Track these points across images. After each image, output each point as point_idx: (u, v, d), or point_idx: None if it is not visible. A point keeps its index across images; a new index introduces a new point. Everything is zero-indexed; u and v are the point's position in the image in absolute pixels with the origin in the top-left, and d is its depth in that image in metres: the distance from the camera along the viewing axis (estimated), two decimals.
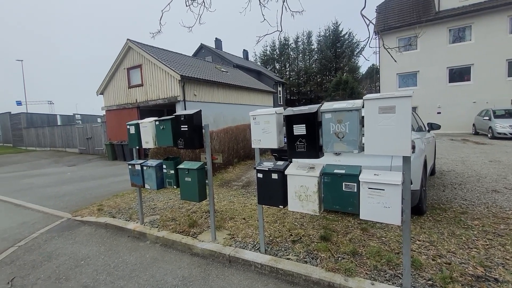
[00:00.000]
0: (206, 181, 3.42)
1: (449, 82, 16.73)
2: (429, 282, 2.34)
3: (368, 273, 2.52)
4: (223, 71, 18.95)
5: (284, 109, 2.73)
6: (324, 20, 78.78)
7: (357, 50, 38.12)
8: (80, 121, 26.90)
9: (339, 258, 2.79)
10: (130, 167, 3.99)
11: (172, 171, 3.56)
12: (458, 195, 4.62)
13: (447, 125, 15.26)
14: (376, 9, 19.90)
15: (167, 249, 3.52)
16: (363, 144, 2.17)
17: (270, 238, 3.37)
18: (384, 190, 2.09)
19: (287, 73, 43.28)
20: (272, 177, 2.74)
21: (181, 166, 3.46)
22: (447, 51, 16.48)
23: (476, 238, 3.06)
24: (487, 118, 12.66)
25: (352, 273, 2.50)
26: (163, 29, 5.02)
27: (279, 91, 28.66)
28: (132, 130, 3.87)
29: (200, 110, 3.34)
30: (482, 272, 2.44)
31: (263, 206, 3.01)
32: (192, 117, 3.18)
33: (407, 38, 17.45)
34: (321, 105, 2.38)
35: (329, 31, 39.49)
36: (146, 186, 3.84)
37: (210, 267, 3.00)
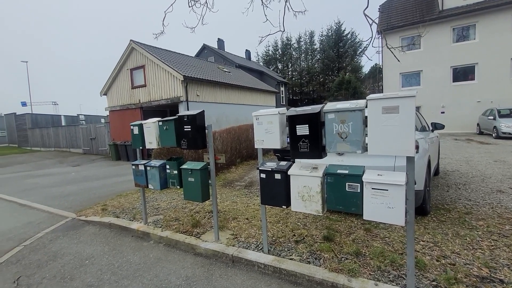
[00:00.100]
0: (209, 181, 3.44)
1: (453, 82, 16.60)
2: (433, 283, 2.33)
3: (371, 273, 2.51)
4: (225, 71, 18.98)
5: (287, 109, 2.73)
6: (326, 20, 78.73)
7: (360, 49, 38.07)
8: (84, 121, 27.12)
9: (343, 259, 2.78)
10: (133, 167, 4.02)
11: (176, 171, 3.58)
12: (462, 195, 4.59)
13: (451, 125, 15.17)
14: (379, 8, 19.80)
15: (171, 249, 3.53)
16: (367, 144, 2.16)
17: (273, 238, 3.37)
18: (387, 190, 2.09)
19: (289, 73, 43.26)
20: (275, 177, 2.74)
21: (184, 166, 3.48)
22: (451, 50, 16.35)
23: (480, 239, 3.03)
24: (492, 117, 12.54)
25: (356, 273, 2.50)
26: (166, 30, 5.04)
27: (282, 91, 28.66)
28: (136, 130, 3.89)
29: (203, 111, 3.35)
30: (487, 273, 2.42)
31: (266, 206, 3.02)
32: (195, 118, 3.20)
33: (410, 38, 17.35)
34: (324, 106, 2.38)
35: (331, 30, 39.47)
36: (150, 186, 3.87)
37: (213, 267, 3.01)
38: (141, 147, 3.97)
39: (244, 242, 3.34)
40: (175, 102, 12.82)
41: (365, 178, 2.20)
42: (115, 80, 15.11)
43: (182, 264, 3.12)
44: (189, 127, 3.24)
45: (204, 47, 28.22)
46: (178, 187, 3.60)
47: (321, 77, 41.12)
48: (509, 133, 11.25)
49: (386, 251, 2.86)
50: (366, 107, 2.12)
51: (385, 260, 2.68)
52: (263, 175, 2.83)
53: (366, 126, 2.13)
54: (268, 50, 43.67)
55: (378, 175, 2.17)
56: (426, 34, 15.05)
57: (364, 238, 3.21)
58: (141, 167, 3.90)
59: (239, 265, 2.99)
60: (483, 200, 4.29)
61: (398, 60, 5.83)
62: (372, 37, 4.61)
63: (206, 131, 3.30)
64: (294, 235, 3.42)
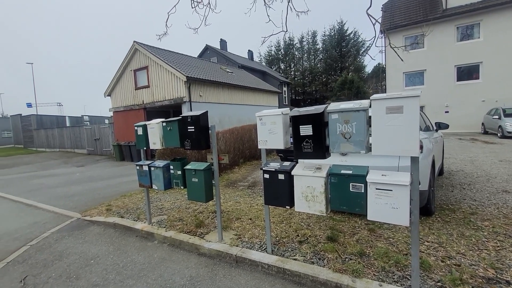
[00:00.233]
0: (213, 182, 3.45)
1: (457, 81, 16.46)
2: (439, 284, 2.32)
3: (376, 274, 2.50)
4: (228, 71, 19.01)
5: (290, 109, 2.74)
6: (329, 20, 78.41)
7: (363, 49, 37.83)
8: (88, 122, 27.34)
9: (347, 259, 2.78)
10: (138, 167, 4.04)
11: (179, 172, 3.60)
12: (467, 195, 4.55)
13: (456, 124, 15.03)
14: (382, 8, 19.70)
15: (175, 249, 3.55)
16: (370, 144, 2.16)
17: (277, 238, 3.38)
18: (392, 190, 2.08)
19: (292, 73, 43.20)
20: (279, 177, 2.75)
21: (188, 166, 3.50)
22: (455, 49, 16.21)
23: (486, 240, 3.01)
24: (497, 117, 12.41)
25: (360, 274, 2.49)
26: (169, 31, 5.07)
27: (284, 91, 28.62)
28: (140, 131, 3.92)
29: (207, 111, 3.36)
30: (493, 274, 2.40)
31: (269, 206, 3.02)
32: (198, 118, 3.21)
33: (414, 37, 17.24)
34: (327, 106, 2.38)
35: (334, 30, 39.30)
36: (154, 186, 3.89)
37: (217, 267, 3.02)
38: (145, 148, 4.00)
39: (247, 242, 3.35)
40: (178, 102, 12.87)
41: (369, 178, 2.19)
42: (119, 81, 15.21)
43: (186, 264, 3.14)
44: (193, 127, 3.26)
45: (207, 48, 28.30)
46: (182, 187, 3.62)
47: (323, 77, 40.99)
48: None
49: (391, 251, 2.84)
50: (370, 107, 2.11)
51: (389, 260, 2.67)
52: (266, 176, 2.84)
53: (370, 126, 2.13)
54: (271, 50, 43.68)
55: (382, 175, 2.17)
56: (430, 33, 14.95)
57: (368, 238, 3.20)
58: (145, 168, 3.92)
59: (243, 265, 3.00)
60: (489, 200, 4.25)
61: (402, 60, 5.80)
62: (375, 36, 4.59)
63: (210, 131, 3.31)
64: (298, 235, 3.42)
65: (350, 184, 2.33)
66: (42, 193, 7.18)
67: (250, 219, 4.11)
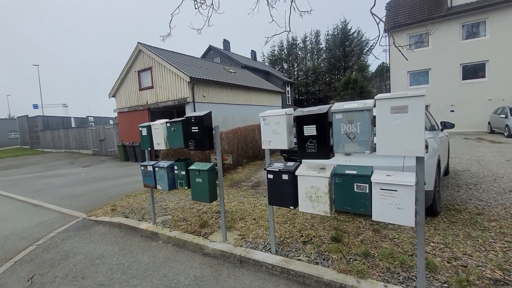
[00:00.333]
0: (217, 182, 3.46)
1: (463, 80, 16.26)
2: (445, 285, 2.29)
3: (381, 275, 2.49)
4: (231, 72, 19.05)
5: (294, 109, 2.73)
6: (332, 19, 78.21)
7: (366, 48, 37.64)
8: (93, 123, 27.64)
9: (351, 260, 2.77)
10: (142, 168, 4.07)
11: (183, 172, 3.62)
12: (473, 195, 4.50)
13: (461, 124, 14.84)
14: (386, 7, 19.54)
15: (179, 249, 3.57)
16: (375, 144, 2.14)
17: (281, 239, 3.37)
18: (397, 191, 2.07)
19: (295, 73, 43.12)
20: (283, 178, 2.74)
21: (192, 167, 3.51)
22: (460, 47, 16.02)
23: (493, 240, 2.97)
24: (504, 116, 12.23)
25: (365, 275, 2.48)
26: (172, 32, 5.10)
27: (288, 91, 28.58)
28: (144, 132, 3.95)
29: (210, 112, 3.37)
30: (500, 275, 2.37)
31: (273, 206, 3.02)
32: (202, 119, 3.22)
33: (418, 35, 17.07)
34: (331, 106, 2.37)
35: (337, 29, 39.18)
36: (158, 187, 3.91)
37: (221, 267, 3.03)
38: (149, 148, 4.02)
39: (251, 242, 3.35)
40: (182, 103, 12.94)
41: (373, 178, 2.18)
42: (123, 82, 15.34)
43: (191, 264, 3.15)
44: (197, 128, 3.27)
45: (210, 48, 28.39)
46: (186, 187, 3.64)
47: (327, 76, 40.85)
48: None
49: (396, 252, 2.82)
50: (374, 106, 2.10)
51: (394, 261, 2.65)
52: (270, 176, 2.84)
53: (374, 126, 2.12)
54: (274, 50, 43.64)
55: (387, 175, 2.15)
56: (435, 31, 14.79)
57: (372, 239, 3.18)
58: (150, 168, 3.95)
59: (247, 266, 3.00)
60: (495, 200, 4.20)
61: (406, 59, 5.74)
62: (379, 35, 4.57)
63: (213, 132, 3.32)
64: (302, 235, 3.41)
65: (355, 184, 2.32)
66: (49, 193, 7.28)
67: (254, 219, 4.11)
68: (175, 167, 3.73)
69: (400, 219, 2.10)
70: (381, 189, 2.14)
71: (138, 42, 14.04)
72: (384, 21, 4.44)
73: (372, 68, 40.59)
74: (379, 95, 2.05)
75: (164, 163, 3.85)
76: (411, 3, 18.38)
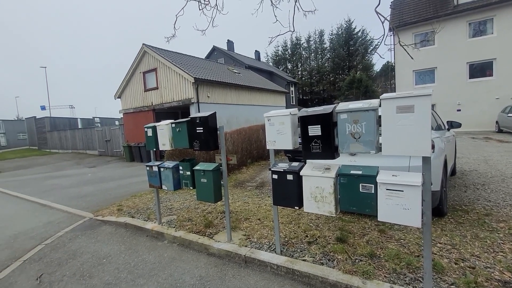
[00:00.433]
0: (221, 182, 3.47)
1: (470, 78, 16.02)
2: (452, 286, 2.27)
3: (387, 276, 2.47)
4: (235, 72, 19.09)
5: (298, 109, 2.73)
6: (336, 18, 77.84)
7: (371, 47, 37.31)
8: (99, 124, 27.99)
9: (357, 260, 2.75)
10: (148, 168, 4.11)
11: (188, 173, 3.64)
12: (481, 196, 4.43)
13: (468, 123, 14.62)
14: (390, 5, 19.41)
15: (184, 248, 3.59)
16: (380, 144, 2.13)
17: (286, 239, 3.37)
18: (403, 191, 2.05)
19: (299, 72, 43.01)
20: (288, 178, 2.74)
21: (197, 167, 3.53)
22: (467, 45, 15.80)
23: (502, 242, 2.92)
24: None
25: (370, 275, 2.46)
26: (177, 33, 5.13)
27: (292, 91, 28.51)
28: (150, 132, 3.98)
29: (215, 112, 3.39)
30: (509, 277, 2.33)
31: (278, 207, 3.02)
32: (207, 119, 3.24)
33: (424, 34, 16.88)
34: (336, 106, 2.36)
35: (341, 29, 38.92)
36: (164, 187, 3.94)
37: (226, 267, 3.04)
38: (154, 149, 4.06)
39: (256, 242, 3.36)
40: (186, 104, 13.01)
41: (379, 178, 2.17)
42: (129, 83, 15.49)
43: (196, 263, 3.17)
44: (201, 128, 3.29)
45: (214, 49, 28.48)
46: (191, 188, 3.66)
47: (331, 76, 40.64)
48: None
49: (402, 253, 2.80)
50: (380, 106, 2.09)
51: (400, 262, 2.63)
52: (275, 176, 2.84)
53: (380, 126, 2.10)
54: (278, 50, 43.59)
55: (393, 175, 2.14)
56: (441, 30, 14.61)
57: (378, 239, 3.15)
58: (155, 168, 3.98)
59: (252, 266, 3.01)
60: (504, 201, 4.13)
61: (412, 58, 5.68)
62: (384, 35, 4.52)
63: (218, 132, 3.34)
64: (307, 236, 3.40)
65: (360, 184, 2.31)
66: (56, 194, 7.39)
67: (259, 219, 4.12)
68: (180, 168, 3.76)
69: (406, 220, 2.08)
70: (386, 189, 2.12)
71: (143, 44, 14.17)
72: (389, 20, 4.40)
73: (377, 67, 40.28)
74: (385, 95, 2.04)
75: (169, 164, 3.87)
76: (416, 1, 18.18)
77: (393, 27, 5.96)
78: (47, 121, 23.98)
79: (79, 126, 25.63)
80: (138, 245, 3.82)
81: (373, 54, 37.80)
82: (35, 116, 26.25)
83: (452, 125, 5.12)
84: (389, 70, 31.39)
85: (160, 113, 14.81)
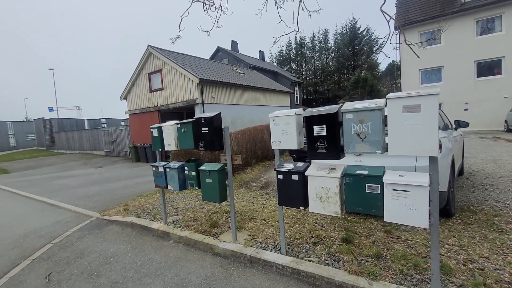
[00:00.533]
0: (227, 182, 3.48)
1: (477, 77, 15.78)
2: None
3: (393, 277, 2.45)
4: (239, 72, 19.12)
5: (303, 109, 2.73)
6: (341, 18, 77.34)
7: (376, 46, 36.99)
8: (105, 125, 28.31)
9: (363, 261, 2.73)
10: (153, 169, 4.15)
11: (194, 173, 3.66)
12: (490, 196, 4.36)
13: (476, 122, 14.41)
14: (396, 4, 19.20)
15: (190, 248, 3.62)
16: (386, 144, 2.12)
17: (291, 239, 3.37)
18: (410, 191, 2.03)
19: (303, 72, 42.87)
20: (293, 178, 2.74)
21: (202, 167, 3.55)
22: (475, 43, 15.56)
23: (511, 243, 2.87)
24: None
25: (377, 276, 2.44)
26: (182, 34, 5.17)
27: (296, 91, 28.43)
28: (155, 133, 4.02)
29: (220, 113, 3.40)
30: None
31: (283, 207, 3.02)
32: (212, 120, 3.26)
33: (430, 32, 16.68)
34: (341, 106, 2.35)
35: (346, 28, 38.69)
36: (169, 187, 3.98)
37: (231, 267, 3.05)
38: (160, 149, 4.10)
39: (261, 242, 3.36)
40: (191, 104, 13.09)
41: (385, 179, 2.15)
42: (134, 84, 15.65)
43: (201, 263, 3.19)
44: (207, 129, 3.31)
45: (218, 50, 28.58)
46: (197, 188, 3.68)
47: (336, 76, 40.41)
48: None
49: (409, 254, 2.77)
50: (386, 106, 2.07)
51: (407, 263, 2.61)
52: (280, 176, 2.84)
53: (386, 125, 2.09)
54: (282, 50, 43.52)
55: (399, 176, 2.12)
56: (448, 28, 14.41)
57: (384, 240, 3.13)
58: (161, 169, 4.02)
59: (257, 266, 3.01)
60: None
61: (418, 57, 5.61)
62: (389, 33, 4.49)
63: (223, 132, 3.35)
64: (312, 236, 3.39)
65: (366, 185, 2.29)
66: (64, 193, 7.50)
67: (264, 219, 4.12)
68: (186, 168, 3.78)
69: (413, 221, 2.06)
70: (393, 189, 2.11)
71: (148, 45, 14.30)
72: (394, 18, 4.36)
73: (382, 66, 39.93)
74: (391, 94, 2.02)
75: (175, 164, 3.90)
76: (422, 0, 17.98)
77: (398, 25, 5.90)
78: (55, 122, 24.37)
79: (86, 127, 25.98)
80: (144, 244, 3.86)
81: (379, 53, 37.52)
82: (43, 117, 26.70)
83: (460, 124, 5.05)
84: (394, 69, 31.06)
85: (165, 113, 14.92)
